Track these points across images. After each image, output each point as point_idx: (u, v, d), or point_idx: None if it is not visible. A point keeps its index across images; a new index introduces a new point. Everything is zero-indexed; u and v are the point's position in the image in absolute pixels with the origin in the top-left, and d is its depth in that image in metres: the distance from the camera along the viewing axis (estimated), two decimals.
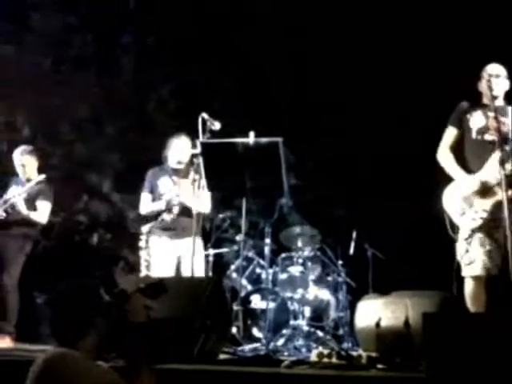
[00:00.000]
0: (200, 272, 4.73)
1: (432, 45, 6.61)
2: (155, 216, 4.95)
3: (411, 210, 6.59)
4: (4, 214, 5.09)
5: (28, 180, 5.27)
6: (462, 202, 3.79)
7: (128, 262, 6.99)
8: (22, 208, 5.12)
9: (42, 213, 5.27)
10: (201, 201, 4.71)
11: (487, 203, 3.74)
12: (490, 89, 3.84)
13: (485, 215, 3.74)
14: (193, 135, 4.62)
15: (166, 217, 4.88)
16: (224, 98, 7.33)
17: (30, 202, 5.22)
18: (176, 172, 5.00)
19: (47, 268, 6.45)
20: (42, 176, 5.24)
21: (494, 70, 3.93)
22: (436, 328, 2.73)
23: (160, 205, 4.91)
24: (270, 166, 4.28)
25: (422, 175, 5.65)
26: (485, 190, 3.76)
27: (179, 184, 4.89)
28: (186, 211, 4.82)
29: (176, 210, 4.84)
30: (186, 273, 4.75)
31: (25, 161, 5.33)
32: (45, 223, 5.35)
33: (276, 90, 7.25)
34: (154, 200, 4.99)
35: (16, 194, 5.13)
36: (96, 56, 7.63)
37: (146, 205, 5.02)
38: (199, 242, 4.79)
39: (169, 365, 2.98)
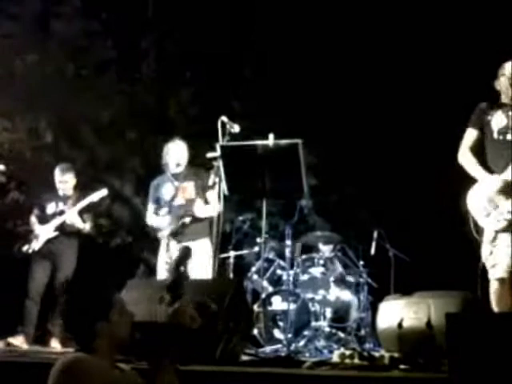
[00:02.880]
0: (206, 274, 4.71)
1: (460, 44, 6.58)
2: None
3: (433, 210, 6.54)
4: (56, 233, 5.48)
5: (65, 196, 5.57)
6: (487, 203, 3.70)
7: (149, 265, 7.03)
8: (80, 224, 5.51)
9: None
10: (208, 203, 4.78)
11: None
12: None
13: (509, 216, 3.65)
14: (213, 138, 4.65)
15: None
16: (243, 101, 7.35)
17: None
18: (176, 176, 5.05)
19: None
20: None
21: None
22: (459, 328, 2.71)
23: (162, 222, 5.00)
24: (289, 168, 4.29)
25: (445, 175, 5.61)
26: (509, 191, 3.69)
27: (181, 189, 4.96)
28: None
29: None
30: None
31: (69, 178, 5.62)
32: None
33: (295, 92, 7.24)
34: (159, 209, 5.07)
35: (69, 212, 5.47)
36: (116, 61, 7.71)
37: (151, 216, 5.13)
38: (207, 244, 4.83)
39: (191, 366, 3.01)
